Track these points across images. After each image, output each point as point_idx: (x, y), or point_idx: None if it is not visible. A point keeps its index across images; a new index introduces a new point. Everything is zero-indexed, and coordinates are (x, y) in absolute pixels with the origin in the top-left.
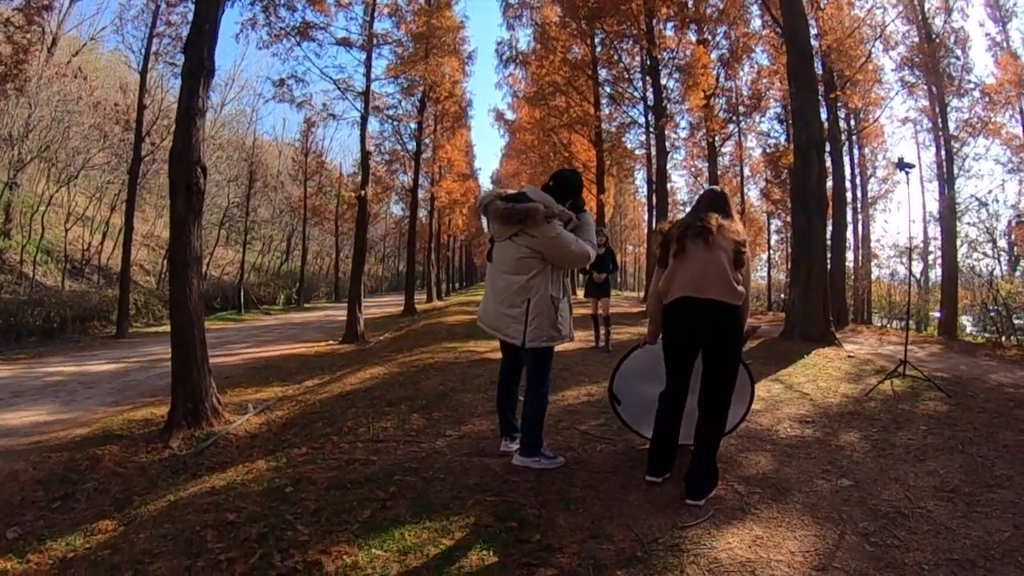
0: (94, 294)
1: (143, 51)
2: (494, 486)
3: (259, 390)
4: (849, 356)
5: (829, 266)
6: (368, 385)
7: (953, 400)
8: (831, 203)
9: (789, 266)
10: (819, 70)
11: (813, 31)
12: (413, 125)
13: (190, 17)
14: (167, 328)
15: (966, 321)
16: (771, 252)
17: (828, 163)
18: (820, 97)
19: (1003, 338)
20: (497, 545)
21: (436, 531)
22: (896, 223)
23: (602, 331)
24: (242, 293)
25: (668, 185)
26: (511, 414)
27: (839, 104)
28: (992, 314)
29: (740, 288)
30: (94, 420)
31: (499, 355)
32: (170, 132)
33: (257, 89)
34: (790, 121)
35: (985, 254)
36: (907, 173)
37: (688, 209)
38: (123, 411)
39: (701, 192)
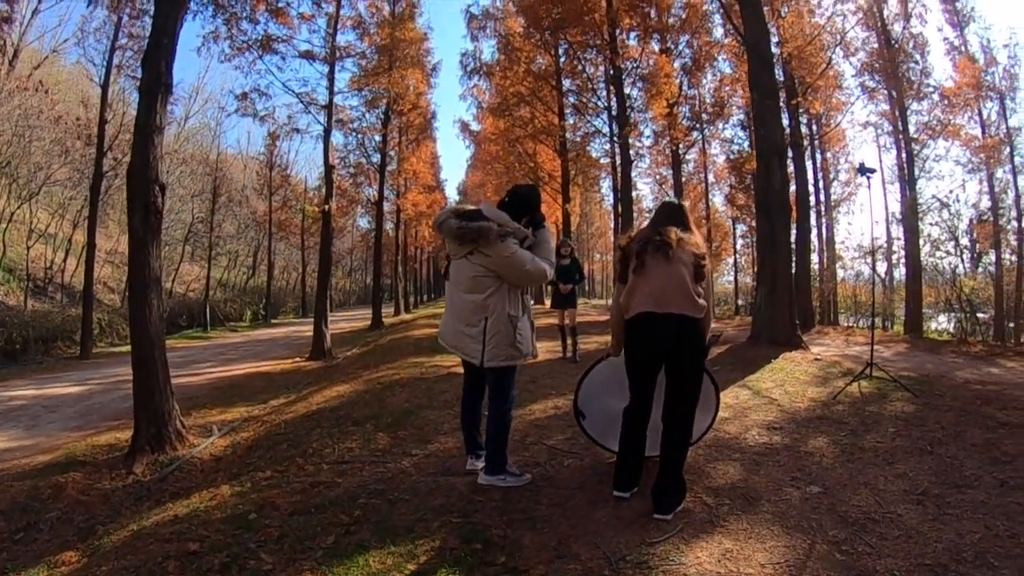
0: (57, 314)
1: (105, 64)
2: (459, 507)
3: (224, 411)
4: (816, 359)
5: (794, 269)
6: (334, 404)
7: (920, 400)
8: (794, 207)
9: (755, 271)
10: (780, 77)
11: (774, 39)
12: (377, 138)
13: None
14: None
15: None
16: (737, 256)
17: (791, 168)
18: (782, 104)
19: (968, 335)
20: (463, 569)
21: (401, 556)
22: (860, 225)
23: (569, 341)
24: (207, 310)
25: (633, 193)
26: (476, 432)
27: (801, 110)
28: (956, 311)
29: (701, 301)
30: (57, 446)
31: None
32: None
33: (221, 103)
34: (752, 128)
35: (948, 252)
36: (868, 178)
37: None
38: (87, 436)
39: (659, 204)
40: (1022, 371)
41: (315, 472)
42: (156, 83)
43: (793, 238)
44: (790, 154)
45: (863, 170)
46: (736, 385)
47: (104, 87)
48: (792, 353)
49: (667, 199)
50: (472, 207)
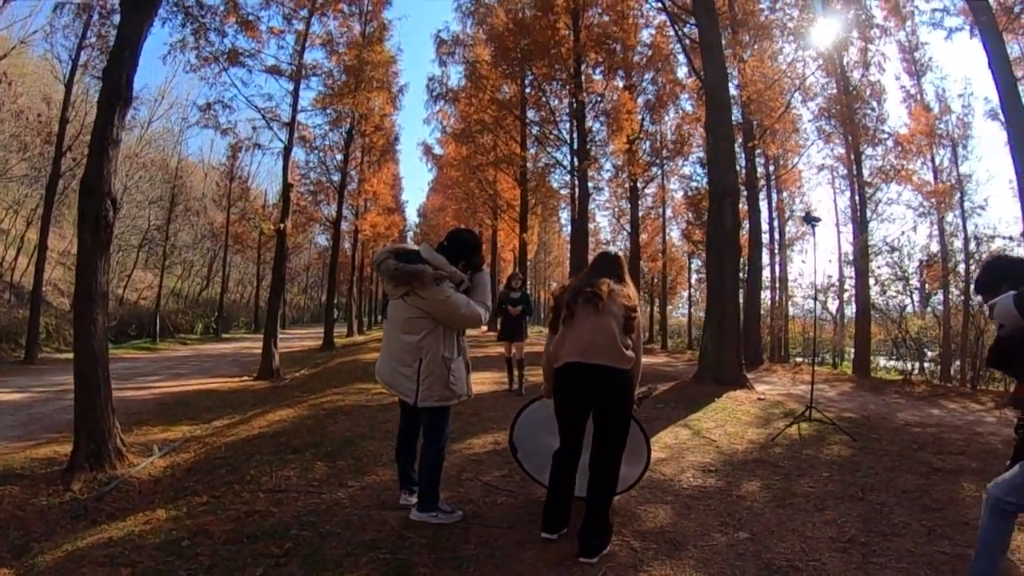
0: (3, 315)
1: (71, 61)
2: (389, 543)
3: (167, 429)
4: (760, 398)
5: (744, 307)
6: (276, 429)
7: (857, 444)
8: (747, 247)
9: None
10: (739, 118)
11: (735, 82)
12: (339, 157)
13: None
14: None
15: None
16: (691, 291)
17: (745, 207)
18: (739, 145)
19: (914, 373)
20: None
21: None
22: (813, 263)
23: (516, 374)
24: (158, 321)
25: (591, 225)
26: (410, 468)
27: (758, 151)
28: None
29: (629, 353)
30: None
31: None
32: None
33: (185, 112)
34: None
35: (898, 292)
36: (813, 226)
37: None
38: (26, 447)
39: (596, 255)
40: (962, 412)
41: (251, 500)
42: (115, 95)
43: (745, 275)
44: (744, 194)
45: (808, 219)
46: (677, 424)
47: (68, 86)
48: (737, 392)
49: (604, 249)
50: (412, 247)
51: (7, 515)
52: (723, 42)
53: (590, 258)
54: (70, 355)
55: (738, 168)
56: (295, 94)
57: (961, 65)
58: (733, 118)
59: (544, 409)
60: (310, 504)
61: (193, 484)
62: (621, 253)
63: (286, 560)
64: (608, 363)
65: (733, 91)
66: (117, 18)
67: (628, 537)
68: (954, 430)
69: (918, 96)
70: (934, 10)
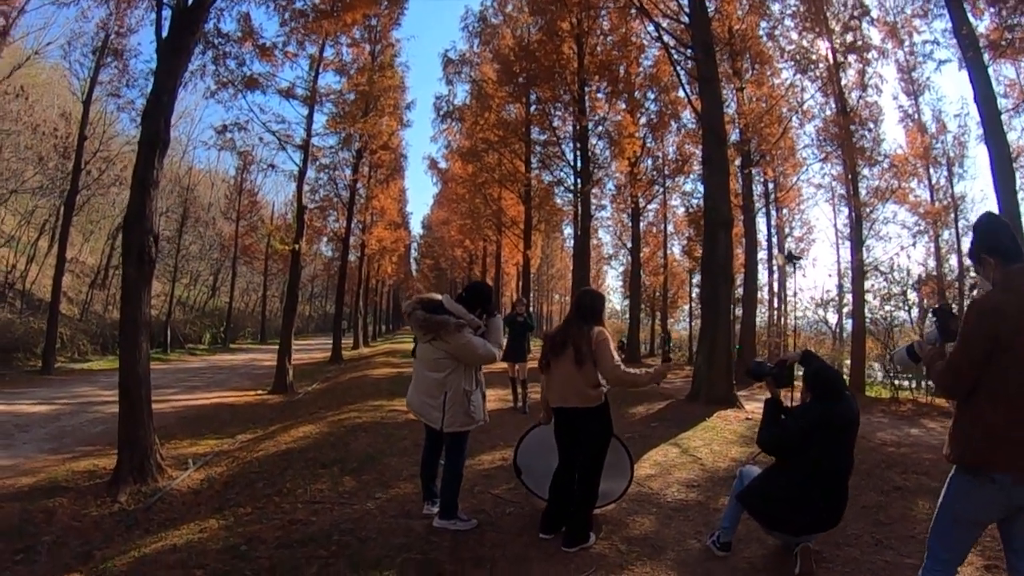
0: (19, 324)
1: (89, 78)
2: (418, 546)
3: (194, 443)
4: (747, 418)
5: (740, 323)
6: (302, 445)
7: None
8: (744, 267)
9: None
10: (737, 138)
11: (733, 108)
12: (348, 172)
13: (139, 47)
14: (93, 365)
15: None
16: (692, 304)
17: (742, 228)
18: (737, 166)
19: (913, 388)
20: None
21: None
22: (813, 277)
23: (519, 392)
24: (168, 332)
25: (594, 241)
26: (432, 483)
27: (756, 171)
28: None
29: (593, 392)
30: (37, 469)
31: None
32: (109, 163)
33: (193, 123)
34: (703, 197)
35: (895, 307)
36: (794, 266)
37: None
38: (64, 460)
39: (579, 292)
40: (940, 432)
41: (291, 510)
42: (155, 138)
43: (740, 293)
44: (741, 218)
45: (791, 257)
46: (668, 443)
47: (86, 103)
48: (727, 411)
49: (584, 288)
50: (436, 297)
51: (63, 525)
52: (722, 69)
53: (592, 272)
54: (85, 365)
55: (736, 189)
56: (309, 119)
57: (959, 83)
58: (731, 140)
59: (541, 433)
60: (344, 514)
61: (235, 496)
62: (599, 290)
63: (334, 560)
64: (577, 405)
65: (731, 113)
66: (132, 40)
67: (616, 542)
68: (927, 449)
69: (915, 115)
70: (924, 42)
